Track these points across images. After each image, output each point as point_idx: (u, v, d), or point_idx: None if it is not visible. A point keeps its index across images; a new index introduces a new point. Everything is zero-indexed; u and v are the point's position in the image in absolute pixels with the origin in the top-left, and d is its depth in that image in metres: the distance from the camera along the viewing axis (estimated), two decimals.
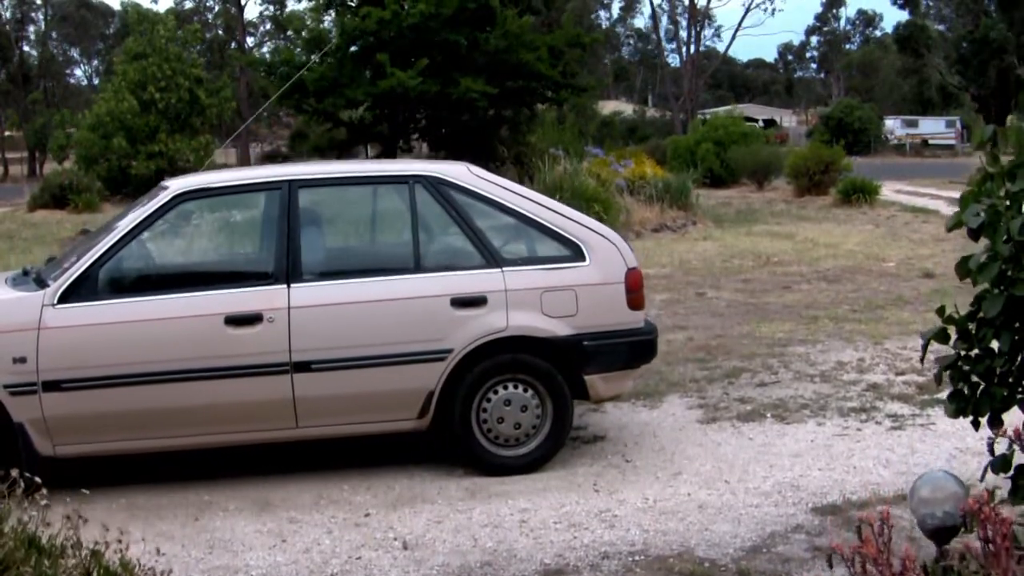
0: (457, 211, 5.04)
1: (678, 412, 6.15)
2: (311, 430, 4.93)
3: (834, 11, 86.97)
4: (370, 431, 5.03)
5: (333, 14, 17.25)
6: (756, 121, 63.55)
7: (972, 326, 2.96)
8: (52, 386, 4.63)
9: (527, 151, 16.13)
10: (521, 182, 15.75)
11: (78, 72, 71.45)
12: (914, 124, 54.27)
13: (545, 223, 5.10)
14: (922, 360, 3.01)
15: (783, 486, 4.84)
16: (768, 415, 6.00)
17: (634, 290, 5.10)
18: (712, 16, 68.36)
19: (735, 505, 4.61)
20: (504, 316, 4.90)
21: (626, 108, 65.85)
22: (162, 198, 4.91)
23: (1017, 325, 2.91)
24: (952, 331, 3.00)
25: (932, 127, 54.15)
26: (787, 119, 71.76)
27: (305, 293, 4.81)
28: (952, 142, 52.42)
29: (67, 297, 4.70)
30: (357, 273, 4.99)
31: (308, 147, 17.56)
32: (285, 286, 4.80)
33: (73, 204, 21.13)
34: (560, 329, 4.97)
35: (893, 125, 54.42)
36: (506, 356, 4.96)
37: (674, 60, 57.87)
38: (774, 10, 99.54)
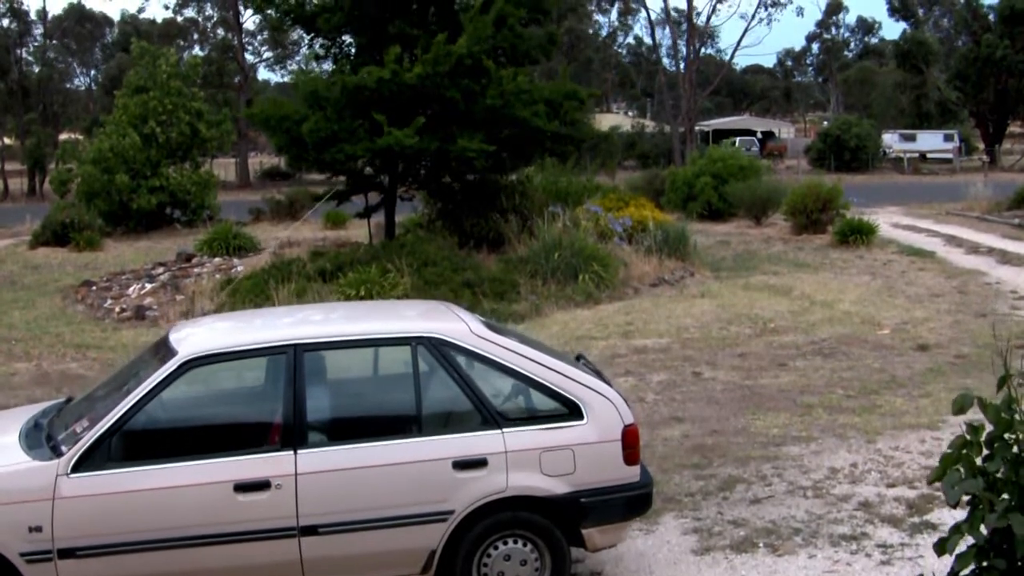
0: (458, 372, 5.19)
1: (673, 539, 6.30)
2: None
3: (834, 18, 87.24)
4: None
5: (333, 64, 17.39)
6: (754, 134, 63.94)
7: None
8: (67, 553, 4.78)
9: (528, 203, 16.28)
10: (520, 234, 15.97)
11: (76, 81, 71.70)
12: (912, 139, 54.51)
13: (544, 382, 5.24)
14: None
15: None
16: (760, 544, 6.14)
17: (630, 446, 5.24)
18: (714, 35, 68.34)
19: None
20: (504, 477, 5.05)
21: (625, 122, 65.99)
22: (171, 365, 5.04)
23: None
24: None
25: (930, 142, 54.39)
26: (786, 130, 72.01)
27: (312, 459, 4.95)
28: (950, 156, 52.66)
29: (80, 466, 4.84)
30: (361, 437, 5.11)
31: (306, 195, 17.72)
32: (292, 452, 4.95)
33: (75, 242, 21.27)
34: (558, 488, 5.12)
35: (891, 139, 54.70)
36: (506, 514, 5.11)
37: (672, 66, 57.78)
38: (773, 14, 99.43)
